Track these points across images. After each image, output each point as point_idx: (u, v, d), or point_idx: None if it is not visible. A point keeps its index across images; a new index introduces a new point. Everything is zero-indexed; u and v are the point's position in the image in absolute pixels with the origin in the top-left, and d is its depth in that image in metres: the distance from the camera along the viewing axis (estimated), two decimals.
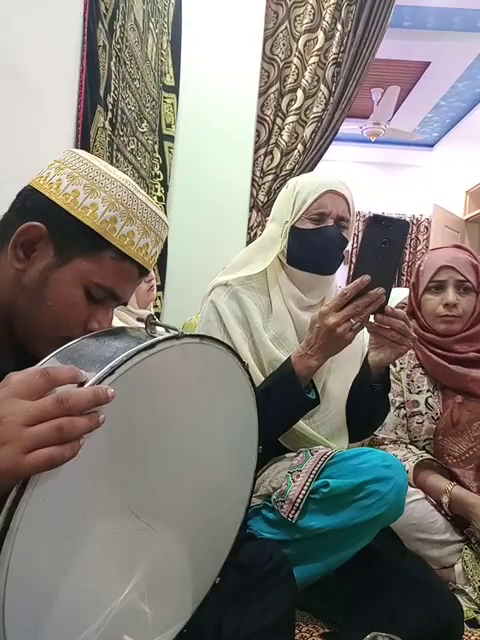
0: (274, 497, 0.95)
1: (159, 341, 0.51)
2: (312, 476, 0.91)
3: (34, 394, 0.43)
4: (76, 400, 0.43)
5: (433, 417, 1.31)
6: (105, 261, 0.62)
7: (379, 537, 0.95)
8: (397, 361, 1.37)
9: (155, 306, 2.54)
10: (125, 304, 0.69)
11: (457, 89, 4.81)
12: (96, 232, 0.61)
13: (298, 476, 0.93)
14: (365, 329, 0.96)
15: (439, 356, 1.31)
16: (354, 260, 1.08)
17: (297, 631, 0.97)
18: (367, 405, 1.06)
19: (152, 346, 0.50)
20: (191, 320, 2.08)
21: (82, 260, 0.62)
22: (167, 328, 0.56)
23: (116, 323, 1.54)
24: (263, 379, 1.02)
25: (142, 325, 0.57)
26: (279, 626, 0.73)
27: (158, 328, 0.56)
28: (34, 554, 0.45)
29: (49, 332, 0.62)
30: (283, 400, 0.95)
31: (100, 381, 0.46)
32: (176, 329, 0.55)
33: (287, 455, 1.02)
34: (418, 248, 6.42)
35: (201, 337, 0.58)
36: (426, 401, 1.33)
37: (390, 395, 1.34)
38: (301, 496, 0.90)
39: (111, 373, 0.47)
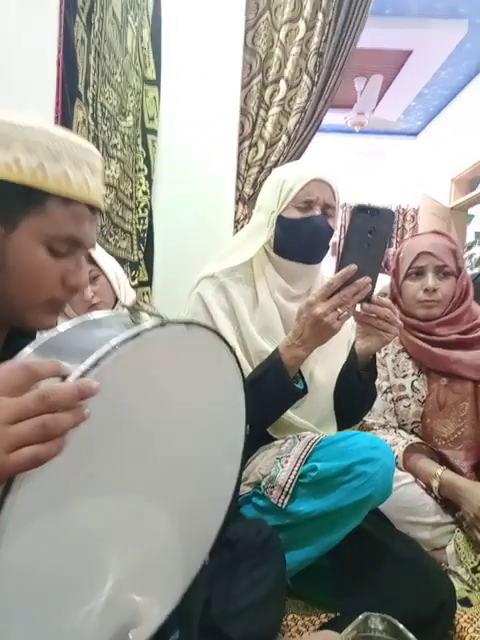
0: (263, 484, 0.95)
1: (144, 330, 0.50)
2: (300, 461, 0.92)
3: (15, 391, 0.42)
4: (59, 396, 0.41)
5: (419, 400, 1.33)
6: (51, 211, 0.59)
7: (369, 520, 0.96)
8: None
9: (144, 301, 2.53)
10: (92, 247, 0.66)
11: (440, 77, 4.82)
12: (29, 186, 0.57)
13: (286, 462, 0.94)
14: (351, 318, 0.97)
15: (422, 340, 1.33)
16: (340, 250, 1.10)
17: (293, 624, 0.98)
18: (354, 393, 1.07)
19: (137, 335, 0.49)
20: (179, 315, 2.08)
21: (29, 219, 0.58)
22: (152, 314, 0.55)
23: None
24: (251, 371, 1.02)
25: (126, 312, 0.56)
26: (269, 600, 0.72)
27: (143, 314, 0.55)
28: (22, 553, 0.45)
29: (31, 301, 0.61)
30: (272, 390, 0.95)
31: (84, 374, 0.44)
32: (161, 316, 0.53)
33: (275, 442, 1.03)
34: (405, 237, 6.45)
35: (188, 323, 0.56)
36: (412, 384, 1.35)
37: (377, 380, 1.36)
38: (290, 481, 0.91)
39: (95, 365, 0.45)
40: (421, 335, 1.34)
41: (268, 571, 0.76)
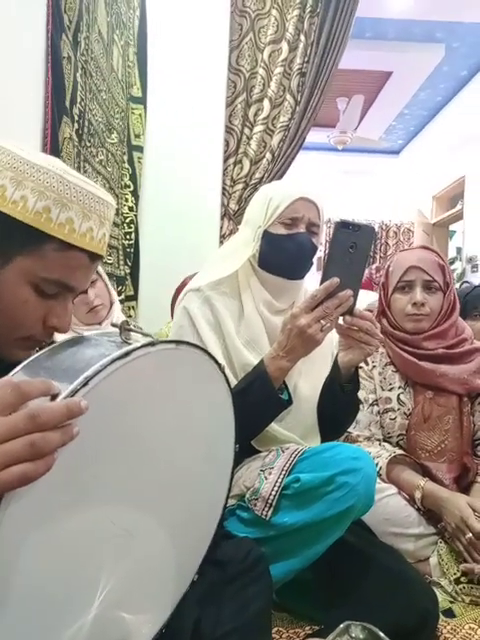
0: (247, 496, 0.96)
1: (134, 349, 0.50)
2: (283, 472, 0.93)
3: (5, 410, 0.42)
4: (48, 415, 0.42)
5: (405, 413, 1.35)
6: (48, 254, 0.59)
7: (353, 531, 0.97)
8: (369, 359, 1.40)
9: (129, 316, 2.53)
10: (85, 292, 0.67)
11: (419, 98, 4.96)
12: (31, 226, 0.58)
13: (270, 473, 0.94)
14: (334, 331, 0.99)
15: (409, 353, 1.35)
16: (324, 263, 1.13)
17: (278, 637, 0.98)
18: (337, 405, 1.08)
19: (127, 354, 0.49)
20: (162, 330, 2.08)
21: (24, 257, 0.59)
22: (142, 334, 0.55)
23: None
24: (236, 382, 1.03)
25: (116, 330, 0.56)
26: (256, 622, 0.73)
27: (133, 334, 0.55)
28: (10, 569, 0.45)
29: (9, 335, 0.61)
30: (257, 402, 0.96)
31: (73, 393, 0.45)
32: (151, 335, 0.54)
33: (259, 454, 1.04)
34: (388, 253, 6.56)
35: (177, 342, 0.57)
36: (398, 397, 1.36)
37: (363, 393, 1.37)
38: (273, 493, 0.92)
39: (85, 384, 0.46)
40: (408, 348, 1.36)
41: (257, 593, 0.77)
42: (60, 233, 0.59)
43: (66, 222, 0.59)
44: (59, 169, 0.60)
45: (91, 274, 0.66)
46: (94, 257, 0.64)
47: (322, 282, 0.91)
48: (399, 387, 1.37)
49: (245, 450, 1.03)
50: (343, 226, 0.90)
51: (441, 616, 1.03)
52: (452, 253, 6.59)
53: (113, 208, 0.66)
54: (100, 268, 1.57)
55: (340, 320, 0.96)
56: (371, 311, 1.48)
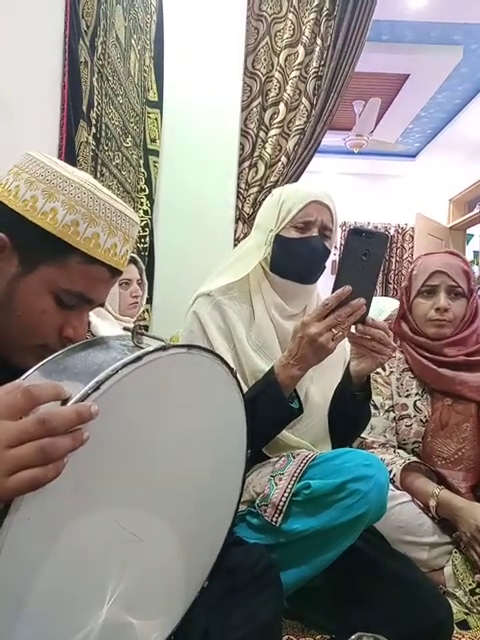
0: (257, 502, 0.95)
1: (146, 353, 0.51)
2: (294, 479, 0.92)
3: (15, 414, 0.42)
4: (58, 420, 0.42)
5: (421, 420, 1.33)
6: (72, 266, 0.61)
7: (365, 539, 0.95)
8: (387, 365, 1.39)
9: (143, 319, 2.54)
10: (102, 305, 0.69)
11: (437, 100, 4.91)
12: (59, 237, 0.60)
13: (280, 479, 0.93)
14: (346, 339, 0.97)
15: (428, 359, 1.33)
16: (336, 271, 1.11)
17: None
18: (348, 413, 1.06)
19: (139, 359, 0.50)
20: (178, 334, 2.08)
21: (48, 267, 0.61)
22: (154, 338, 0.56)
23: (99, 325, 1.54)
24: (246, 389, 1.02)
25: (128, 334, 0.57)
26: (266, 630, 0.72)
27: (145, 338, 0.56)
28: (18, 573, 0.45)
29: (24, 342, 0.62)
30: (267, 410, 0.95)
31: (85, 397, 0.45)
32: (163, 340, 0.55)
33: (270, 460, 1.03)
34: (404, 257, 6.50)
35: (188, 347, 0.58)
36: (415, 404, 1.34)
37: (380, 398, 1.36)
38: (284, 499, 0.91)
39: (96, 388, 0.46)
40: (428, 354, 1.34)
41: (266, 600, 0.76)
42: (85, 247, 0.61)
43: (92, 236, 0.61)
44: (90, 185, 0.62)
45: (110, 288, 0.68)
46: (115, 272, 0.66)
47: (334, 290, 0.90)
48: (416, 393, 1.35)
49: (255, 456, 1.02)
50: (356, 233, 0.89)
51: (455, 628, 1.01)
52: (469, 257, 6.51)
53: (138, 226, 0.68)
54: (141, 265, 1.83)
55: (352, 329, 0.94)
56: (389, 318, 1.45)
